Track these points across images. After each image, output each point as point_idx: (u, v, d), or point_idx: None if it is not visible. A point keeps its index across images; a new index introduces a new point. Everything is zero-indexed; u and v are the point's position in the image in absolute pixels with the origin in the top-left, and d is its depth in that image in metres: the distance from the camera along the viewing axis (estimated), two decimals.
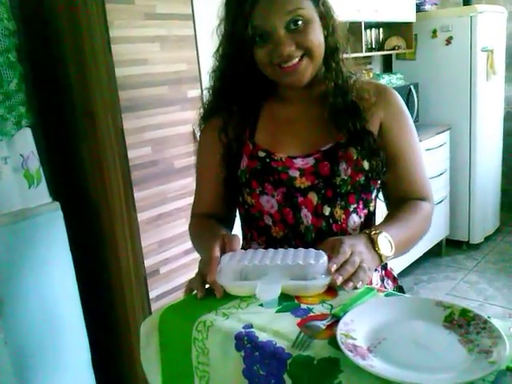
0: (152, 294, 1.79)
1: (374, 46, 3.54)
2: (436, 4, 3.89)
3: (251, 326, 0.76)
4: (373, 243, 0.90)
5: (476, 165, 3.66)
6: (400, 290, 1.15)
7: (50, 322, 1.67)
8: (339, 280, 0.80)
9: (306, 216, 1.02)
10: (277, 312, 0.80)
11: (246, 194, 1.05)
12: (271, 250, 0.90)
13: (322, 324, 0.73)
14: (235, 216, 1.16)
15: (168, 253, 1.83)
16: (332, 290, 0.84)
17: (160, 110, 1.75)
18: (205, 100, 1.12)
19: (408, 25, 3.58)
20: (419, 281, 3.37)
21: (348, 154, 1.00)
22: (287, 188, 1.01)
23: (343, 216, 1.02)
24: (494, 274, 3.38)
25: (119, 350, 1.97)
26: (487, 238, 3.88)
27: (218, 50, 1.03)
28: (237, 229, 1.16)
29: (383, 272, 1.12)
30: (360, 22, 3.09)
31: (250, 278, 0.84)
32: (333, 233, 1.03)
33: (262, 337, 0.73)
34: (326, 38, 0.98)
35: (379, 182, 1.06)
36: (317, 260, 0.83)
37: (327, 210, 1.01)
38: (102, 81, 1.66)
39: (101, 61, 1.64)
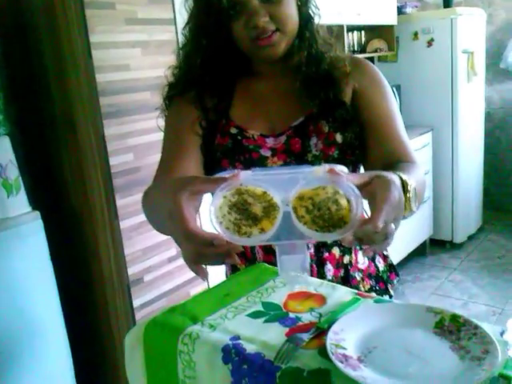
0: (136, 303, 1.76)
1: (356, 49, 3.55)
2: (417, 7, 3.92)
3: (239, 338, 0.74)
4: (404, 195, 0.72)
5: (458, 165, 3.69)
6: (391, 267, 1.12)
7: (30, 334, 1.63)
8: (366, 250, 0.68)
9: None
10: (264, 322, 0.78)
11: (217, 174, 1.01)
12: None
13: (306, 337, 0.71)
14: None
15: (152, 260, 1.80)
16: (320, 297, 0.82)
17: (142, 116, 1.73)
18: (169, 79, 1.05)
19: (389, 27, 3.60)
20: (404, 281, 3.38)
21: (319, 127, 0.97)
22: None
23: None
24: (477, 273, 3.42)
25: (103, 361, 1.93)
26: (470, 237, 3.92)
27: (188, 23, 1.00)
28: None
29: None
30: (342, 25, 3.10)
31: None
32: None
33: (250, 349, 0.71)
34: (299, 7, 0.96)
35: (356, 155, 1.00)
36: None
37: None
38: (82, 87, 1.64)
39: (81, 66, 1.62)
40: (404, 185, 0.73)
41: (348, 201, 0.65)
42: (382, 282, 1.09)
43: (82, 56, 1.60)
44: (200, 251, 0.64)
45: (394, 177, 0.71)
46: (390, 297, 1.10)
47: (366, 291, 1.06)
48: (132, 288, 1.75)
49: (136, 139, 1.73)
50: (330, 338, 0.68)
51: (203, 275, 0.67)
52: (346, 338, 0.70)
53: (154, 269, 1.81)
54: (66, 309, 1.74)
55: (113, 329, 1.84)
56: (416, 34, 3.63)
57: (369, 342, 0.70)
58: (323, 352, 0.67)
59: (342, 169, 0.68)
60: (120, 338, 1.82)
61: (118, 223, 1.70)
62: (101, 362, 1.94)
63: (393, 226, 0.65)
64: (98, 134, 1.65)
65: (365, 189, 0.66)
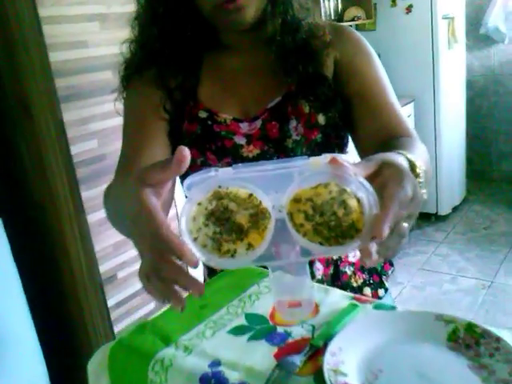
0: (110, 302, 1.67)
1: (333, 18, 3.42)
2: None
3: (219, 363, 0.63)
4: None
5: (441, 136, 3.61)
6: None
7: None
8: (373, 256, 0.49)
9: None
10: (249, 340, 0.67)
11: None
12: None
13: (299, 360, 0.60)
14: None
15: (125, 255, 1.70)
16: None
17: (104, 98, 1.60)
18: (126, 56, 0.92)
19: None
20: None
21: (299, 107, 0.87)
22: (233, 158, 0.87)
23: None
24: (464, 245, 3.38)
25: (78, 366, 1.81)
26: (455, 209, 3.88)
27: None
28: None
29: None
30: None
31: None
32: None
33: (233, 378, 0.60)
34: None
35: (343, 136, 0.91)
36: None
37: None
38: (35, 68, 1.51)
39: (31, 45, 1.49)
40: (413, 169, 0.61)
41: (358, 200, 0.50)
42: (376, 275, 1.01)
43: (32, 32, 1.45)
44: (158, 262, 0.46)
45: (403, 162, 0.58)
46: (386, 290, 1.03)
47: (358, 286, 0.98)
48: (105, 286, 1.65)
49: (99, 124, 1.60)
50: (328, 362, 0.58)
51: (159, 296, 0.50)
52: (345, 359, 0.59)
53: (128, 265, 1.71)
54: (36, 313, 1.62)
55: (88, 330, 1.73)
56: (394, 1, 3.51)
57: (373, 365, 0.59)
58: (320, 379, 0.56)
59: (346, 159, 0.52)
60: (97, 340, 1.71)
61: (84, 217, 1.57)
62: (75, 366, 1.82)
63: (405, 224, 0.51)
64: (56, 120, 1.52)
65: (375, 181, 0.51)
